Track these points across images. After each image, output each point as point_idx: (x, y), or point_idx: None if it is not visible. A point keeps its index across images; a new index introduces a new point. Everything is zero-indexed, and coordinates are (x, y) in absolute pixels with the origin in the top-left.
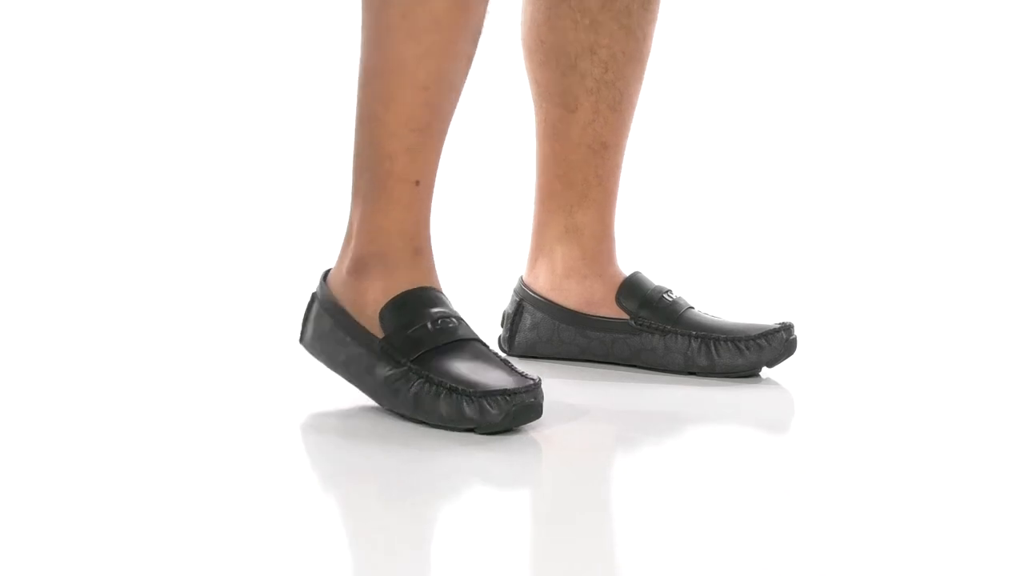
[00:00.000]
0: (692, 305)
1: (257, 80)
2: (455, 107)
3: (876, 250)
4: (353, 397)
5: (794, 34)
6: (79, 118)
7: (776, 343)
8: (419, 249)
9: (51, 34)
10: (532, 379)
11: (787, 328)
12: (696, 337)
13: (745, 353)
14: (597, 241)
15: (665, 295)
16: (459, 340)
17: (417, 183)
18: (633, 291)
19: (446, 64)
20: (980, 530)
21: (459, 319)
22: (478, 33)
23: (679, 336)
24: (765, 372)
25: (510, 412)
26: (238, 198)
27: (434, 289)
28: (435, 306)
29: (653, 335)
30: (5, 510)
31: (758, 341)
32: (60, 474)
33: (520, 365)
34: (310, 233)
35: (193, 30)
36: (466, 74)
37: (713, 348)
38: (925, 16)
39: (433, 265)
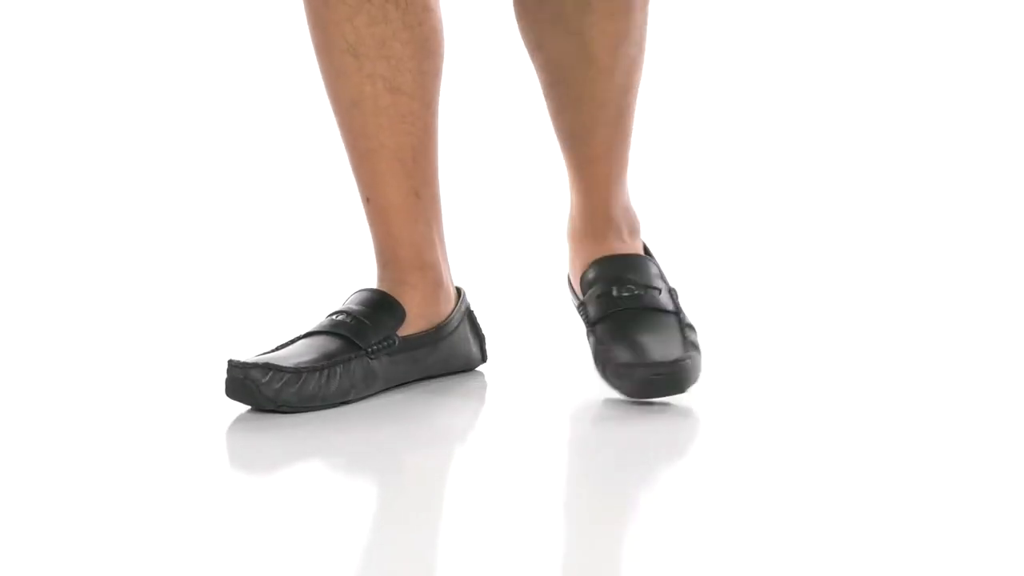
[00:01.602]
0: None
1: (265, 85)
2: (399, 129)
3: (872, 252)
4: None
5: (789, 35)
6: (84, 121)
7: (635, 377)
8: (385, 262)
9: (54, 35)
10: (280, 365)
11: (654, 365)
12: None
13: (612, 380)
14: (582, 222)
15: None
16: (316, 331)
17: (368, 200)
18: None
19: (355, 88)
20: (977, 531)
21: (351, 315)
22: (383, 61)
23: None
24: (772, 373)
25: (226, 381)
26: (238, 203)
27: (374, 291)
28: (354, 304)
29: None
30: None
31: (619, 370)
32: (54, 472)
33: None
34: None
35: (204, 33)
36: (393, 94)
37: (602, 362)
38: (924, 16)
39: (404, 277)
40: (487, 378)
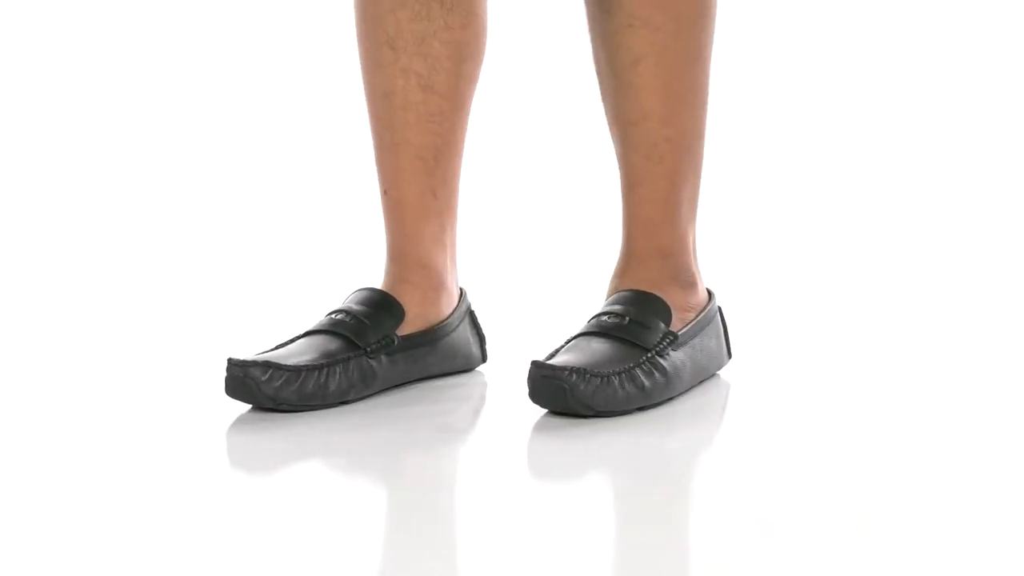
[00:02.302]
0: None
1: (267, 86)
2: (426, 128)
3: (865, 254)
4: (371, 402)
5: (788, 36)
6: (85, 119)
7: (530, 375)
8: (393, 257)
9: (53, 34)
10: (280, 364)
11: (544, 367)
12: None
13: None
14: (619, 252)
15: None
16: (316, 330)
17: (385, 192)
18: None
19: (389, 80)
20: (971, 532)
21: (351, 314)
22: (419, 57)
23: None
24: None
25: (226, 379)
26: (238, 202)
27: (373, 290)
28: (354, 303)
29: None
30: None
31: (529, 367)
32: (53, 472)
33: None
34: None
35: (203, 32)
36: (425, 91)
37: None
38: (922, 17)
39: (407, 275)
40: (487, 378)
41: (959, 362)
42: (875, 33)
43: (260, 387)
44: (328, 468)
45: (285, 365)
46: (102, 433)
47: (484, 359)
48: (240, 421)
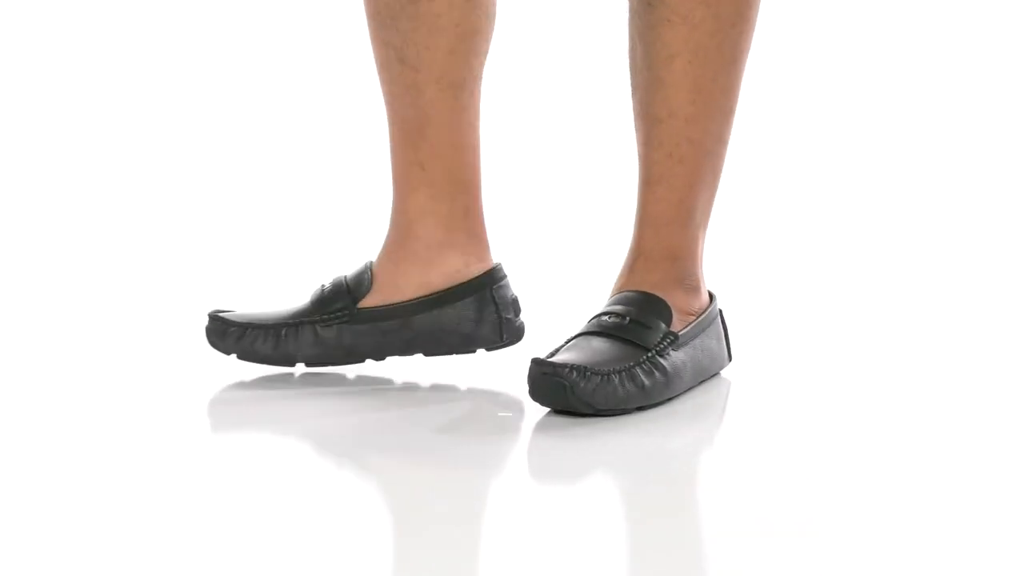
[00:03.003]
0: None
1: (267, 83)
2: (404, 101)
3: (864, 256)
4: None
5: (787, 40)
6: (75, 110)
7: (529, 372)
8: (394, 227)
9: (52, 34)
10: (231, 320)
11: (543, 363)
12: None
13: None
14: (627, 253)
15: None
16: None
17: (392, 171)
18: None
19: (375, 52)
20: (983, 529)
21: (335, 286)
22: (393, 31)
23: None
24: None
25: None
26: (243, 200)
27: (366, 262)
28: (350, 276)
29: None
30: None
31: (529, 365)
32: (54, 467)
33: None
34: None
35: (195, 23)
36: (402, 64)
37: None
38: (922, 24)
39: (387, 245)
40: (486, 376)
41: (959, 363)
42: (875, 41)
43: (213, 337)
44: (326, 468)
45: (236, 322)
46: (96, 427)
47: (503, 341)
48: (239, 420)
